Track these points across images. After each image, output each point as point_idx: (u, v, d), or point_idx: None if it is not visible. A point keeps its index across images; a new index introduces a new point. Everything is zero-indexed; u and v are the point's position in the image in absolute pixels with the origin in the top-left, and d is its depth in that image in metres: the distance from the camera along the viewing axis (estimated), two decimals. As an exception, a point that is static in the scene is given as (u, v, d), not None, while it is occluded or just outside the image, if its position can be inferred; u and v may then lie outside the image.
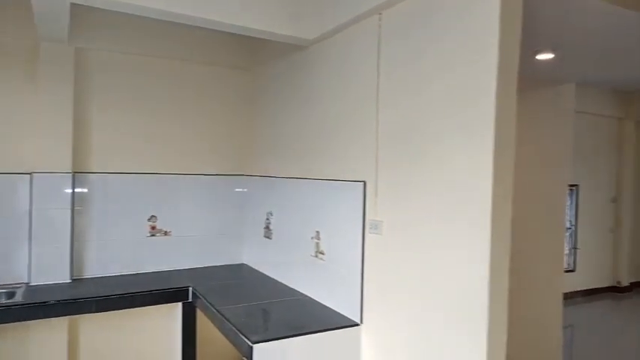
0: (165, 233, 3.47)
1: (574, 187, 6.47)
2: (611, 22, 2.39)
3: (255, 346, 2.07)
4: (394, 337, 2.22)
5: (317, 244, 2.84)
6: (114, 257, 3.29)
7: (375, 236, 2.35)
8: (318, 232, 2.83)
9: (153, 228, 3.42)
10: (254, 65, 3.77)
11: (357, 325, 2.41)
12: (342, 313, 2.55)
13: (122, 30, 3.27)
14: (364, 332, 2.40)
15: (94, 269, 3.22)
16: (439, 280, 1.95)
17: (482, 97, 1.75)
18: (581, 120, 5.88)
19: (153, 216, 3.42)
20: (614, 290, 6.92)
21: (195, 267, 3.57)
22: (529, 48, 2.86)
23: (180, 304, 3.08)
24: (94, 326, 3.10)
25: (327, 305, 2.69)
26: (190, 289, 3.02)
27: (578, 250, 6.53)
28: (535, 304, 3.88)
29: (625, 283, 6.95)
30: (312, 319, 2.49)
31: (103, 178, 3.25)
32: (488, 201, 1.72)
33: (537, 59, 3.04)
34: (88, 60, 3.20)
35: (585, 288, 6.66)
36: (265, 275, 3.42)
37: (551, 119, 3.90)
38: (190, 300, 3.03)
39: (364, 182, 2.43)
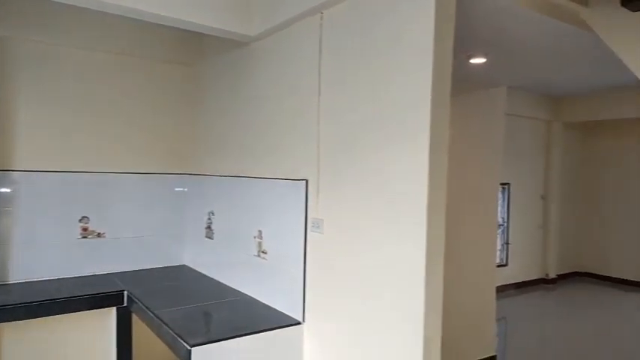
0: (99, 235, 3.30)
1: (506, 186, 6.83)
2: (539, 29, 2.53)
3: (194, 349, 2.01)
4: (336, 334, 2.23)
5: (259, 243, 2.81)
6: (42, 261, 3.08)
7: (317, 235, 2.36)
8: (260, 231, 2.80)
9: (84, 229, 3.24)
10: (195, 60, 3.67)
11: (299, 323, 2.41)
12: (284, 312, 2.54)
13: (52, 19, 3.07)
14: (306, 330, 2.41)
15: (19, 274, 3.01)
16: (378, 277, 1.99)
17: (419, 103, 1.80)
18: (512, 122, 6.22)
19: (84, 217, 3.24)
20: (543, 282, 7.38)
21: (132, 270, 3.43)
22: (463, 53, 2.98)
23: (114, 308, 2.94)
24: (20, 335, 2.89)
25: (270, 305, 2.67)
26: (125, 292, 2.90)
27: (510, 246, 6.89)
28: (470, 297, 4.05)
29: (552, 275, 7.42)
30: (254, 319, 2.46)
31: (29, 176, 3.04)
32: (424, 201, 1.77)
33: (471, 63, 3.18)
34: (13, 50, 2.98)
35: (517, 281, 7.05)
36: (206, 276, 3.34)
37: (483, 121, 4.09)
38: (125, 304, 2.90)
39: (306, 181, 2.43)
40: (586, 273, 7.89)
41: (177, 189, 3.67)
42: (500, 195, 5.99)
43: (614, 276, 7.54)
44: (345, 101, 2.20)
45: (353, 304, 2.13)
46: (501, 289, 6.42)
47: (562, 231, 7.56)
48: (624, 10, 2.13)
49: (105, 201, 3.32)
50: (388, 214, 1.94)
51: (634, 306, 6.59)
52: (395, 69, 1.91)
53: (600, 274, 7.71)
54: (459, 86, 3.90)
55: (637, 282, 7.27)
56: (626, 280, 7.38)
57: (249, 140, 2.99)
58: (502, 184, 6.62)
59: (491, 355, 4.16)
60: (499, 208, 5.58)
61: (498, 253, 6.62)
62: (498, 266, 6.34)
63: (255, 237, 2.84)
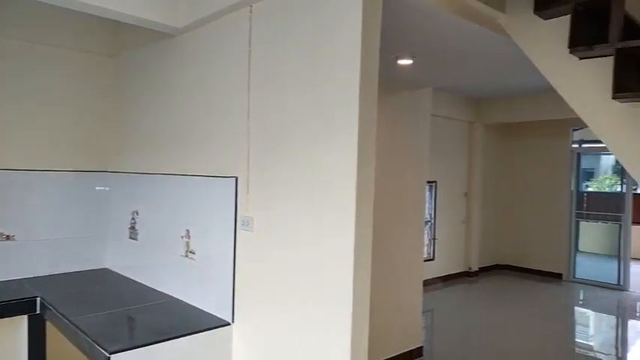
0: (8, 237, 3.03)
1: (433, 183, 7.13)
2: (461, 33, 2.65)
3: (113, 357, 1.89)
4: (266, 334, 2.21)
5: (187, 243, 2.71)
6: (-61, 268, 2.78)
7: (247, 233, 2.32)
8: (188, 230, 2.70)
9: (-9, 232, 2.97)
10: (119, 51, 3.47)
11: (229, 324, 2.36)
12: (213, 313, 2.47)
13: (-52, 0, 2.78)
14: (236, 331, 2.35)
15: None
16: (307, 275, 1.99)
17: (347, 100, 1.81)
18: (438, 123, 6.49)
19: (-9, 218, 2.96)
20: (466, 275, 7.79)
21: (47, 274, 3.18)
22: (391, 54, 3.06)
23: (25, 317, 2.71)
24: None
25: (199, 307, 2.58)
26: (38, 299, 2.68)
27: (436, 241, 7.21)
28: (399, 291, 4.18)
29: (475, 268, 7.86)
30: (181, 322, 2.37)
31: None
32: (352, 199, 1.79)
33: (399, 64, 3.27)
34: None
35: (443, 274, 7.38)
36: (131, 279, 3.17)
37: (410, 121, 4.23)
38: (38, 312, 2.68)
39: (236, 178, 2.38)
40: (505, 265, 8.43)
41: (98, 188, 3.46)
42: (427, 193, 6.24)
43: (529, 267, 8.11)
44: (274, 97, 2.17)
45: (283, 303, 2.11)
46: (428, 283, 6.70)
47: (483, 226, 8.02)
48: (537, 17, 2.29)
49: (15, 201, 3.06)
50: (317, 211, 1.94)
51: (546, 294, 7.14)
52: (323, 65, 1.91)
53: (518, 266, 8.28)
54: (388, 87, 4.03)
55: (549, 272, 7.88)
56: (540, 270, 7.97)
57: (176, 136, 2.87)
58: (429, 182, 6.90)
59: (418, 346, 4.32)
60: (426, 206, 5.81)
61: (426, 248, 6.90)
62: (426, 261, 6.60)
63: (182, 237, 2.74)
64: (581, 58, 2.09)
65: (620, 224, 7.31)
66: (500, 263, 8.46)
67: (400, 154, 4.14)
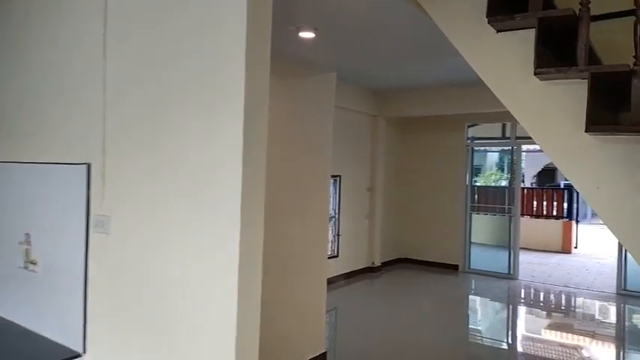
0: None
1: (337, 178, 6.91)
2: (369, 4, 2.35)
3: None
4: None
5: (27, 251, 2.09)
6: None
7: (102, 236, 1.79)
8: (28, 234, 2.09)
9: None
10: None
11: (79, 356, 1.81)
12: (58, 341, 1.90)
13: None
14: (88, 364, 1.81)
15: None
16: (180, 288, 1.53)
17: (230, 68, 1.42)
18: (342, 115, 6.27)
19: None
20: (369, 271, 7.71)
21: None
22: (291, 24, 2.69)
23: None
24: None
25: (40, 333, 1.99)
26: None
27: (340, 237, 7.01)
28: (302, 293, 3.83)
29: (378, 263, 7.81)
30: (14, 355, 1.78)
31: None
32: (237, 191, 1.38)
33: (300, 37, 2.91)
34: None
35: (347, 271, 7.23)
36: (-46, 299, 2.44)
37: (314, 110, 3.89)
38: None
39: (88, 165, 1.84)
40: (407, 259, 8.54)
41: None
42: (331, 187, 5.99)
43: (429, 260, 8.28)
44: (139, 66, 1.67)
45: (149, 327, 1.62)
46: (332, 281, 6.46)
47: (385, 221, 8.01)
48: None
49: None
50: (192, 209, 1.49)
51: (444, 285, 7.29)
52: (202, 28, 1.47)
53: (418, 259, 8.41)
54: (289, 70, 3.66)
55: (446, 264, 8.10)
56: (439, 262, 8.17)
57: (12, 113, 2.22)
58: (333, 176, 6.67)
59: (321, 352, 4.01)
60: (330, 200, 5.55)
61: (330, 244, 6.66)
62: (330, 258, 6.35)
63: (20, 243, 2.11)
64: (498, 31, 1.87)
65: (511, 216, 7.70)
66: (401, 257, 8.54)
67: (303, 145, 3.78)
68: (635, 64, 1.57)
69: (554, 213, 11.29)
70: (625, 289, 6.68)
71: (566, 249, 10.61)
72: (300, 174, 3.76)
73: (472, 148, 8.11)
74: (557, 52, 1.83)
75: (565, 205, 11.29)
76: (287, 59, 3.37)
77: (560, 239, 10.69)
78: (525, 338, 5.27)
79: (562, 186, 13.32)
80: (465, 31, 1.95)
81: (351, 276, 7.30)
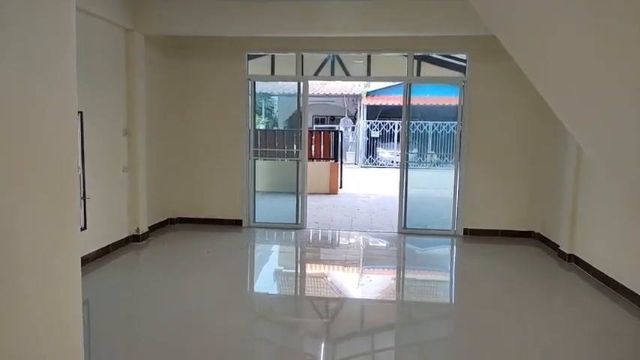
0: None
1: (77, 115, 4.70)
2: None
3: None
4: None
5: None
6: None
7: None
8: None
9: None
10: None
11: None
12: None
13: None
14: None
15: None
16: None
17: None
18: (82, 21, 4.07)
19: None
20: (134, 240, 5.83)
21: None
22: None
23: None
24: None
25: None
26: None
27: (88, 200, 4.91)
28: (43, 283, 1.95)
29: (144, 229, 5.98)
30: None
31: None
32: None
33: None
34: None
35: (101, 247, 5.22)
36: None
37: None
38: None
39: None
40: (180, 219, 6.92)
41: None
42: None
43: (207, 217, 6.88)
44: None
45: None
46: (81, 264, 4.42)
47: (151, 174, 6.16)
48: None
49: None
50: None
51: (223, 244, 6.06)
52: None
53: (194, 217, 6.90)
54: None
55: (228, 220, 6.86)
56: (219, 219, 6.86)
57: None
58: (72, 112, 4.43)
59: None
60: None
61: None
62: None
63: None
64: None
65: (298, 161, 6.87)
66: (173, 217, 6.89)
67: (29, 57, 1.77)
68: None
69: (322, 155, 11.28)
70: (405, 228, 6.75)
71: (333, 190, 10.74)
72: (29, 107, 1.76)
73: (254, 82, 6.84)
74: None
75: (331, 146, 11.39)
76: None
77: (328, 181, 10.74)
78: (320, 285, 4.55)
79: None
80: None
81: (107, 252, 5.33)
